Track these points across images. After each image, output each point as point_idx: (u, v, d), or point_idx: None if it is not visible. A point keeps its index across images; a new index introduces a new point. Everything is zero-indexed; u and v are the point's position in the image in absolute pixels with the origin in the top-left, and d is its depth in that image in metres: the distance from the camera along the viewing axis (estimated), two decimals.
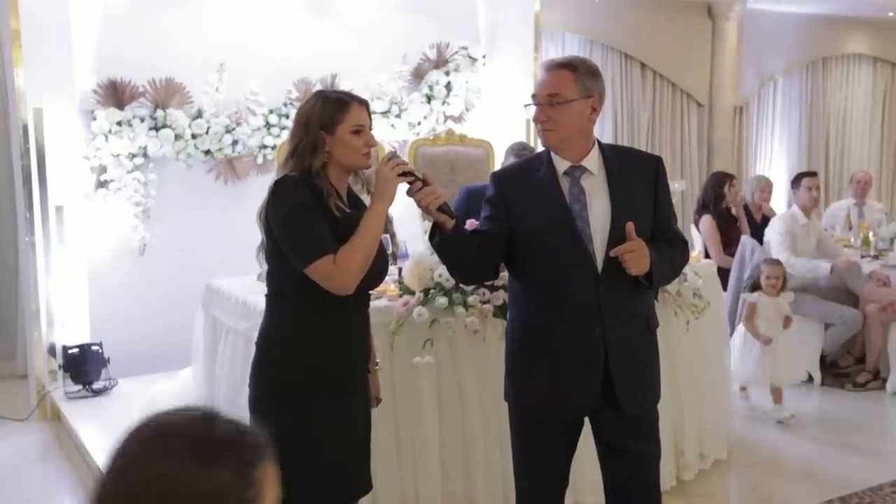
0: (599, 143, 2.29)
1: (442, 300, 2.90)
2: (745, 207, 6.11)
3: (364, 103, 2.18)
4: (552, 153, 2.25)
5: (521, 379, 2.28)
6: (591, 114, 2.23)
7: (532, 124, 5.87)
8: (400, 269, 3.16)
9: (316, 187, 2.09)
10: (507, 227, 2.24)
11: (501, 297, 2.92)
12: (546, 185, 2.21)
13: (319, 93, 2.20)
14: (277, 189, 2.10)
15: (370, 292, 2.29)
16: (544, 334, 2.22)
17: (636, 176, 2.27)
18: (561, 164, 2.23)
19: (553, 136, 2.20)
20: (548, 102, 2.18)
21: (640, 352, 2.29)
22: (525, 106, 2.31)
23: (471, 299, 2.93)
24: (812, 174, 5.37)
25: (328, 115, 2.11)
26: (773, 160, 9.40)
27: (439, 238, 2.19)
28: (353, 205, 2.19)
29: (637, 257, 2.13)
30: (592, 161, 2.24)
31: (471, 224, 3.00)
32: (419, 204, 2.14)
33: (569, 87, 2.17)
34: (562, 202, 2.19)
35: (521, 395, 2.29)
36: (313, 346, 2.12)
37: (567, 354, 2.19)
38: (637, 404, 2.26)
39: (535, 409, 2.27)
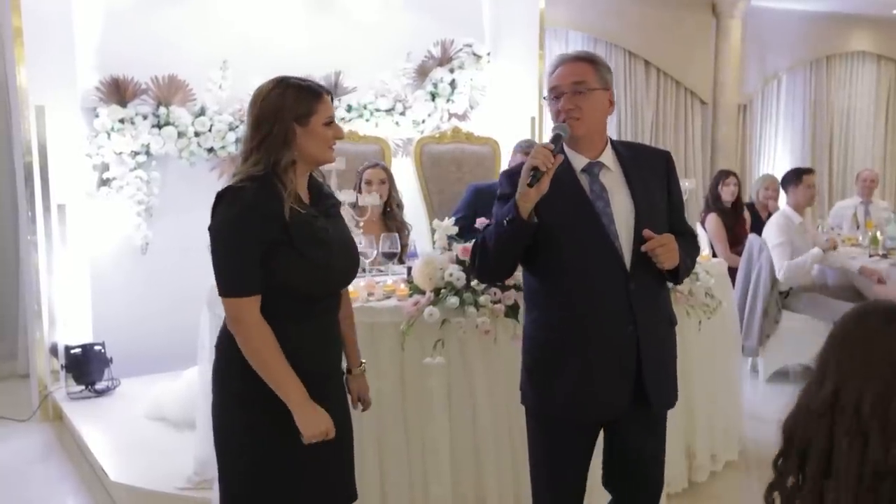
0: (610, 139, 2.26)
1: (453, 300, 2.85)
2: (751, 206, 6.08)
3: (330, 93, 2.06)
4: (568, 150, 2.19)
5: (544, 381, 2.19)
6: (608, 107, 2.20)
7: (537, 122, 5.91)
8: (409, 269, 3.12)
9: (277, 188, 1.93)
10: None
11: (513, 296, 2.88)
12: (566, 183, 2.15)
13: (283, 80, 2.00)
14: (220, 203, 1.96)
15: (340, 291, 2.18)
16: (570, 334, 2.14)
17: (649, 171, 2.25)
18: (578, 161, 2.18)
19: (580, 125, 2.14)
20: (574, 90, 2.13)
21: (666, 348, 2.26)
22: (543, 98, 2.27)
23: (482, 299, 2.88)
24: (811, 171, 5.29)
25: (304, 105, 1.96)
26: (776, 158, 9.39)
27: (519, 221, 2.05)
28: (315, 199, 2.07)
29: (668, 251, 2.10)
30: (608, 157, 2.20)
31: (481, 222, 2.97)
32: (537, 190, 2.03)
33: (591, 77, 2.15)
34: (585, 199, 2.14)
35: (543, 398, 2.20)
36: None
37: (597, 354, 2.13)
38: (666, 401, 2.25)
39: (561, 411, 2.17)
